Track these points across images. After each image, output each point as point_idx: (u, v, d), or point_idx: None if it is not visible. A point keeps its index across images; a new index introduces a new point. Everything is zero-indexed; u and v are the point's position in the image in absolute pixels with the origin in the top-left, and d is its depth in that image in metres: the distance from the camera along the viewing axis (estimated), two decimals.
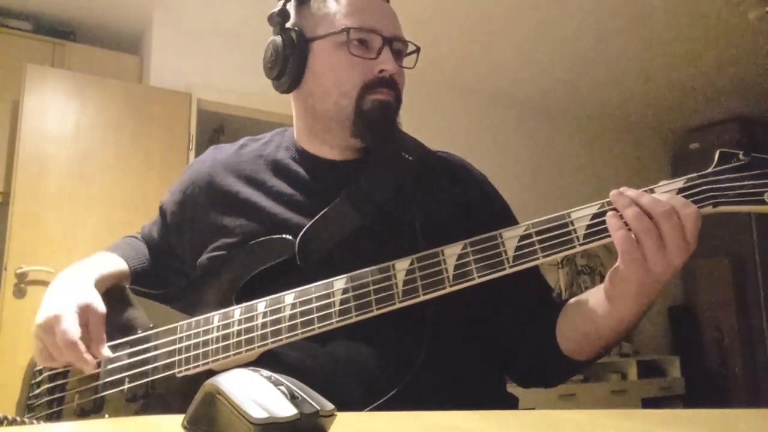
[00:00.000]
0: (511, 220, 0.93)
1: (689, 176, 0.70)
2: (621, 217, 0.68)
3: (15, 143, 2.75)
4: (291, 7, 0.92)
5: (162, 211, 1.03)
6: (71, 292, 0.86)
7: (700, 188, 0.69)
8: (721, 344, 4.50)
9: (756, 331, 4.45)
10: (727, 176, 0.69)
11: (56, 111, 2.84)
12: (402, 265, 0.77)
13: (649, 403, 4.11)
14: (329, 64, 0.88)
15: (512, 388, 0.91)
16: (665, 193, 0.70)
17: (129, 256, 1.01)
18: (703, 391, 4.41)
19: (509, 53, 3.77)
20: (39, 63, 2.93)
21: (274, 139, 1.00)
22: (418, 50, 0.93)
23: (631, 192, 0.70)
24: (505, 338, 0.90)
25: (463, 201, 0.92)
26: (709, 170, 0.70)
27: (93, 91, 2.92)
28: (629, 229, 0.68)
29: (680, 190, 0.70)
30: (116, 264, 0.98)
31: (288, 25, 0.91)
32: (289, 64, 0.89)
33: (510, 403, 0.89)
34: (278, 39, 0.90)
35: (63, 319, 0.81)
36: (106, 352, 0.85)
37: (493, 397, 0.86)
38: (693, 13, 3.35)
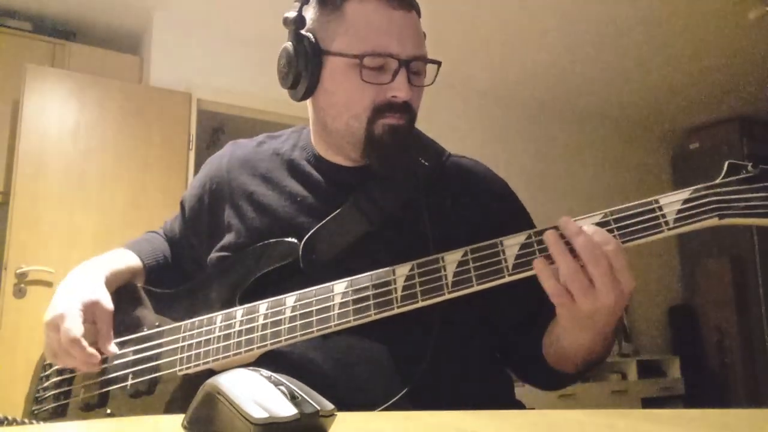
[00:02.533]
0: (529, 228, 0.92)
1: (696, 187, 0.69)
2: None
3: (15, 143, 2.75)
4: (308, 13, 0.87)
5: (182, 205, 1.04)
6: (78, 289, 0.87)
7: (706, 199, 0.68)
8: (721, 344, 4.50)
9: (756, 331, 4.44)
10: (734, 188, 0.68)
11: (56, 111, 2.84)
12: (402, 271, 0.76)
13: (649, 403, 4.11)
14: (341, 84, 0.84)
15: (515, 389, 0.92)
16: (589, 226, 0.69)
17: (143, 251, 1.01)
18: (703, 391, 4.40)
19: (509, 53, 3.78)
20: (39, 63, 2.93)
21: (291, 137, 0.99)
22: (438, 65, 0.88)
23: (570, 228, 0.70)
24: (506, 342, 0.91)
25: (478, 209, 0.91)
26: (717, 181, 0.69)
27: (93, 91, 2.92)
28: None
29: (686, 201, 0.69)
30: (129, 260, 0.98)
31: (303, 31, 0.86)
32: (302, 76, 0.86)
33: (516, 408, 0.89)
34: (291, 48, 0.86)
35: (67, 318, 0.82)
36: (112, 348, 0.86)
37: (499, 401, 0.86)
38: (693, 13, 3.35)
